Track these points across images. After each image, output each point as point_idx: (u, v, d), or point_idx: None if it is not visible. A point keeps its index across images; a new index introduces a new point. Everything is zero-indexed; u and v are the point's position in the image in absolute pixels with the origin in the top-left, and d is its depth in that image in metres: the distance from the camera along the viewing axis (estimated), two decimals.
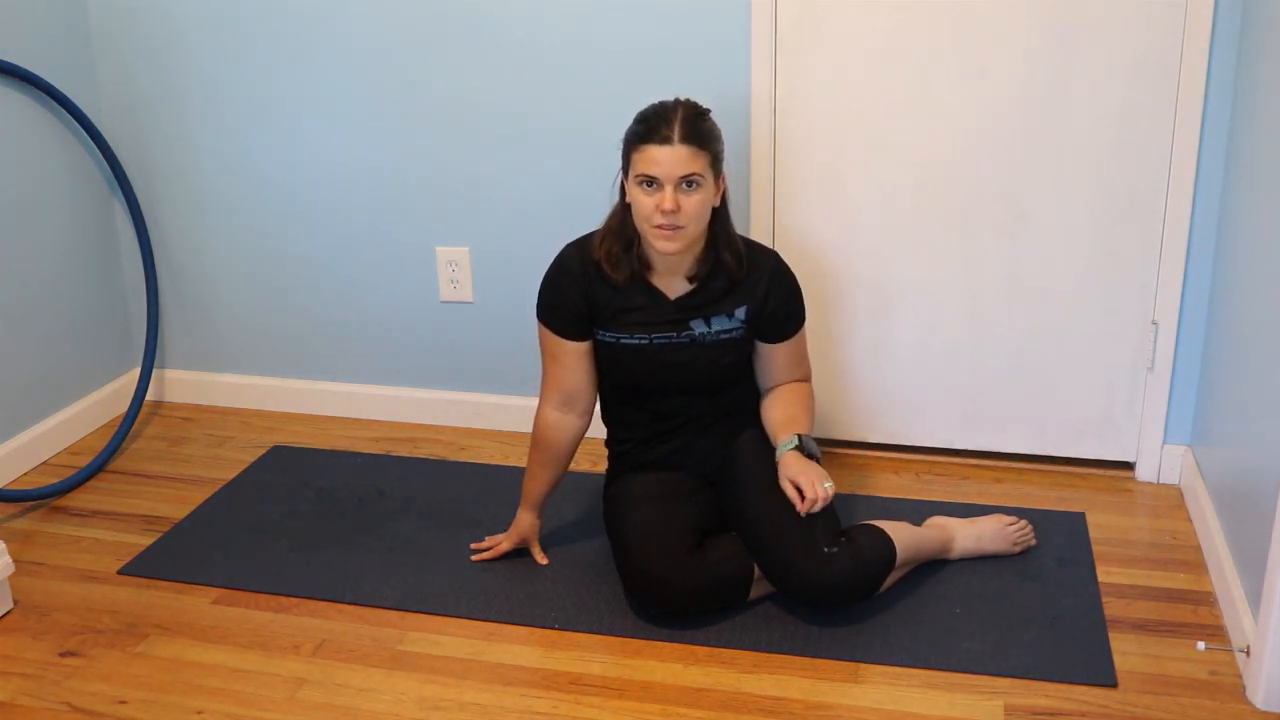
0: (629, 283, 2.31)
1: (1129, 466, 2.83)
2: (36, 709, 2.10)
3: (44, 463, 3.02)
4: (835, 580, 2.19)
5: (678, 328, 2.32)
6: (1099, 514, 2.64)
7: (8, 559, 2.35)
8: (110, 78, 3.11)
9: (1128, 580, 2.40)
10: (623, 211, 2.29)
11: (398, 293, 3.12)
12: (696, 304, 2.33)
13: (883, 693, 2.08)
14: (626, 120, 2.80)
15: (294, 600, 2.39)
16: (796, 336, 2.41)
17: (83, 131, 3.07)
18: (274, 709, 2.09)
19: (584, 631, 2.26)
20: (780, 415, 2.36)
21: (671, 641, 2.22)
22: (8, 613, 2.38)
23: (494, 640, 2.25)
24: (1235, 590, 2.20)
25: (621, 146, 2.27)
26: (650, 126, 2.20)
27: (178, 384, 3.36)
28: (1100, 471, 2.83)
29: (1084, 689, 2.07)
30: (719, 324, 2.33)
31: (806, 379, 2.46)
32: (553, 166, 2.90)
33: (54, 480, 2.88)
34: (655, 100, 2.29)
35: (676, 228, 2.18)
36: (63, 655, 2.24)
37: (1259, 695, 2.01)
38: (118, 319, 3.28)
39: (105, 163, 3.14)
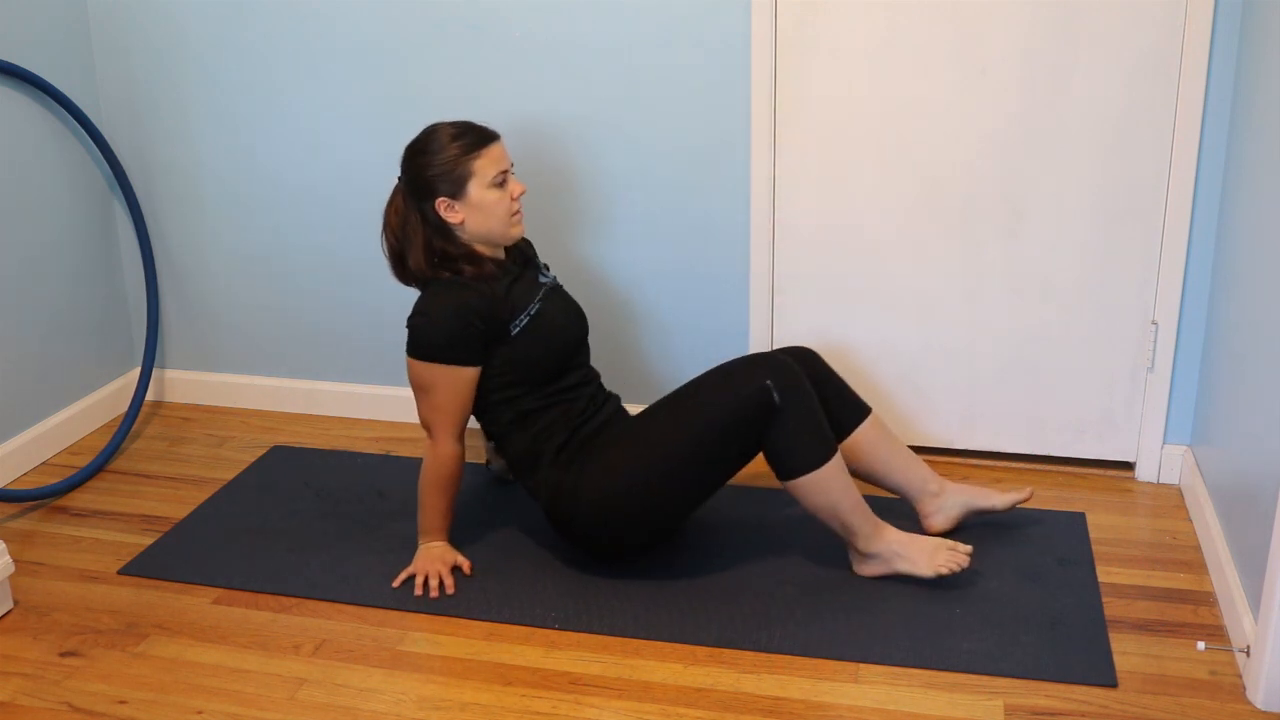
0: (495, 278, 2.41)
1: (1129, 466, 2.83)
2: (36, 709, 2.10)
3: (44, 463, 3.02)
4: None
5: (538, 285, 2.48)
6: (1099, 514, 2.64)
7: (8, 559, 2.35)
8: (110, 78, 3.11)
9: (1128, 580, 2.40)
10: (443, 239, 2.39)
11: (398, 293, 3.10)
12: (523, 265, 2.51)
13: (883, 693, 2.08)
14: (626, 120, 2.82)
15: (294, 600, 2.40)
16: None
17: (83, 131, 3.07)
18: (274, 709, 2.09)
19: (584, 631, 2.26)
20: None
21: (671, 641, 2.22)
22: (8, 613, 2.38)
23: (494, 640, 2.25)
24: (1235, 590, 2.20)
25: (427, 183, 2.36)
26: (475, 134, 2.37)
27: (178, 384, 3.36)
28: (1100, 471, 2.83)
29: (1084, 689, 2.07)
30: (545, 277, 2.54)
31: None
32: (553, 165, 2.90)
33: (54, 480, 2.88)
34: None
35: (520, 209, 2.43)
36: (63, 655, 2.25)
37: (1259, 695, 2.01)
38: (118, 319, 3.28)
39: (105, 163, 3.14)
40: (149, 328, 3.22)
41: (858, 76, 2.67)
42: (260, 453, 3.03)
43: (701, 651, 2.20)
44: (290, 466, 2.95)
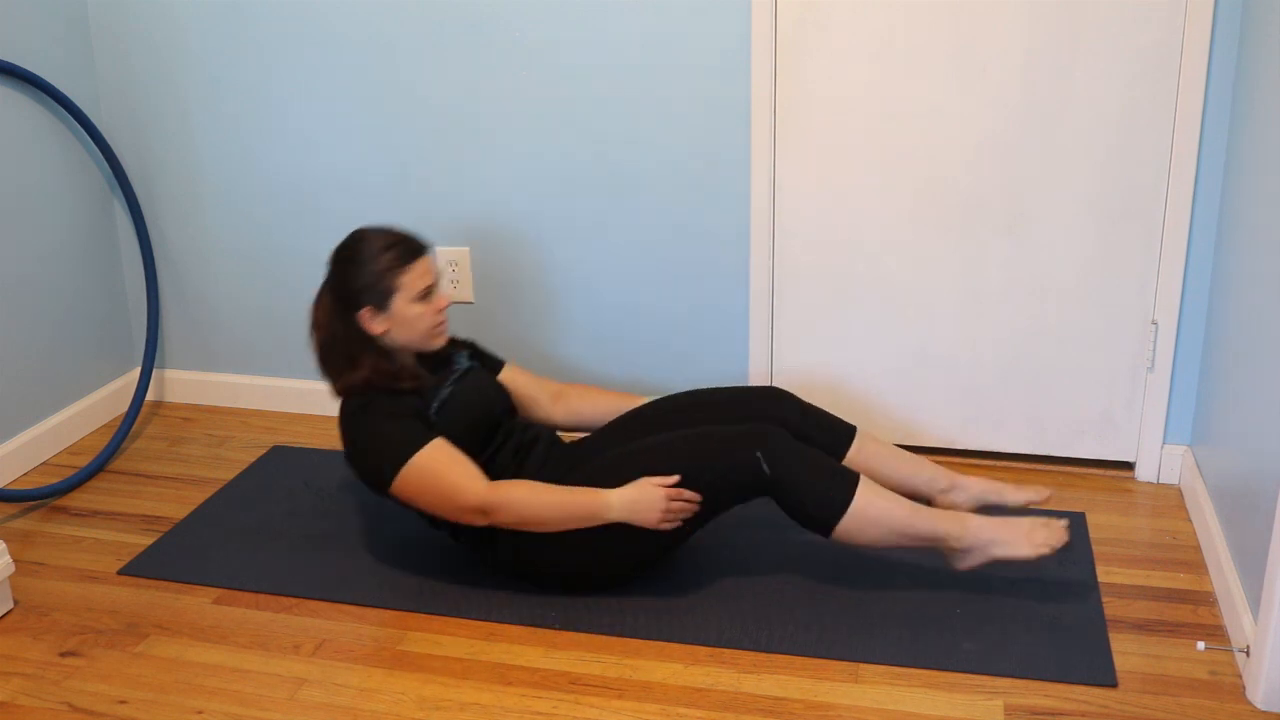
0: (411, 377, 2.37)
1: (1129, 466, 2.83)
2: (36, 709, 2.10)
3: (44, 463, 3.02)
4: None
5: (451, 371, 2.46)
6: (1099, 514, 2.65)
7: (8, 559, 2.35)
8: (110, 78, 3.11)
9: (1128, 580, 2.40)
10: (364, 344, 2.35)
11: None
12: (443, 360, 2.49)
13: (883, 693, 2.08)
14: (626, 119, 2.82)
15: (294, 600, 2.40)
16: (510, 362, 2.67)
17: (83, 131, 3.07)
18: (274, 709, 2.09)
19: (584, 631, 2.26)
20: (605, 394, 2.64)
21: (671, 641, 2.22)
22: (8, 613, 2.38)
23: (494, 640, 2.25)
24: (1235, 590, 2.20)
25: (353, 294, 2.32)
26: (405, 246, 2.34)
27: (178, 384, 3.36)
28: (1100, 471, 2.83)
29: (1084, 689, 2.07)
30: (459, 364, 2.50)
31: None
32: (553, 166, 2.90)
33: (54, 480, 2.88)
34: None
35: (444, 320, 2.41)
36: (63, 655, 2.25)
37: (1259, 695, 2.01)
38: (118, 319, 3.28)
39: (105, 163, 3.14)
40: (149, 328, 3.22)
41: (858, 76, 2.67)
42: (260, 453, 3.03)
43: (701, 651, 2.20)
44: (290, 466, 2.95)
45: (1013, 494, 2.47)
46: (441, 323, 2.39)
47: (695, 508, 2.24)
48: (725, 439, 2.28)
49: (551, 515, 2.23)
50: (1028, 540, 2.25)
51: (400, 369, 2.36)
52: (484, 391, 2.47)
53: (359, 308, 2.33)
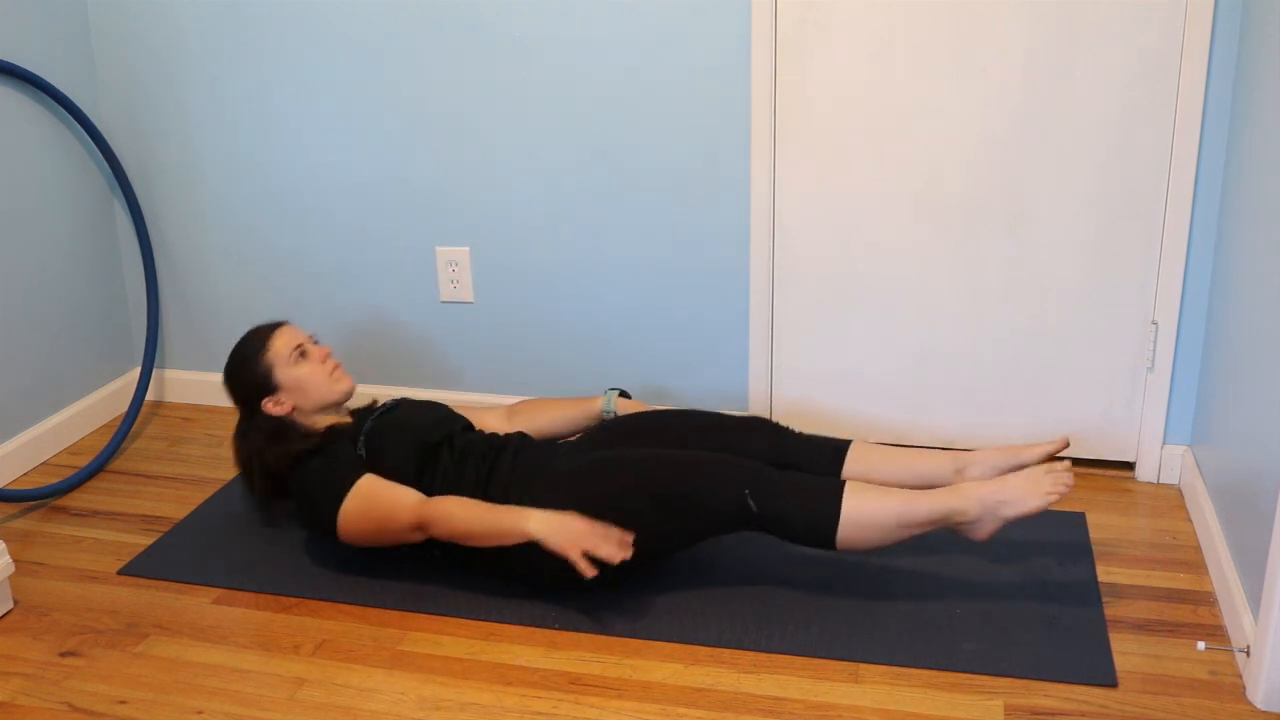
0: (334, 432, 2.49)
1: (1129, 466, 2.83)
2: (36, 709, 2.10)
3: (44, 463, 3.02)
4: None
5: (370, 414, 2.53)
6: (1099, 514, 2.65)
7: (8, 559, 2.35)
8: (110, 78, 3.11)
9: (1128, 580, 2.40)
10: (285, 437, 2.46)
11: (398, 293, 3.12)
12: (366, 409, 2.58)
13: (883, 693, 2.08)
14: (626, 119, 2.82)
15: (294, 600, 2.40)
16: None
17: (83, 131, 3.07)
18: (274, 709, 2.09)
19: (584, 631, 2.26)
20: (557, 402, 2.69)
21: (671, 641, 2.22)
22: (8, 613, 2.38)
23: (494, 640, 2.25)
24: (1235, 590, 2.20)
25: (247, 400, 2.52)
26: (258, 332, 2.54)
27: (178, 384, 3.36)
28: (1100, 471, 2.83)
29: (1084, 689, 2.07)
30: (379, 410, 2.56)
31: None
32: (553, 166, 2.90)
33: (54, 480, 2.88)
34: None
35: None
36: (63, 655, 2.25)
37: (1259, 695, 2.01)
38: (118, 319, 3.28)
39: (105, 163, 3.14)
40: (149, 328, 3.22)
41: (858, 76, 2.67)
42: None
43: (701, 651, 2.20)
44: None
45: (1028, 453, 2.40)
46: (335, 367, 2.54)
47: (624, 555, 2.16)
48: (710, 471, 2.27)
49: (476, 529, 2.25)
50: (1035, 491, 2.21)
51: (326, 427, 2.48)
52: (414, 416, 2.52)
53: (260, 404, 2.48)
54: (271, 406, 2.49)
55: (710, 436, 2.44)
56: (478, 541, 2.27)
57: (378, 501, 2.32)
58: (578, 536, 2.17)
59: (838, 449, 2.44)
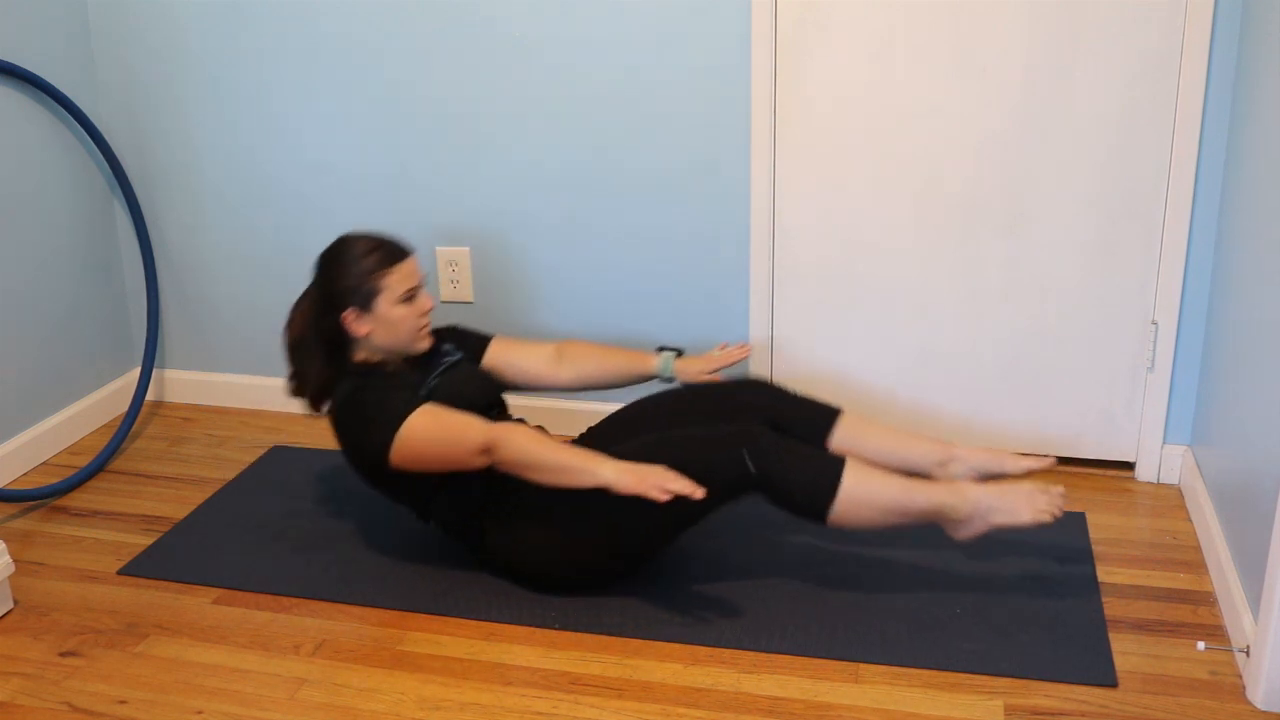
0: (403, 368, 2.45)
1: (1129, 466, 2.83)
2: (36, 709, 2.10)
3: (44, 463, 3.02)
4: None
5: (438, 364, 2.48)
6: (1099, 514, 2.65)
7: (8, 559, 2.35)
8: (110, 78, 3.11)
9: (1128, 580, 2.40)
10: (344, 346, 2.41)
11: None
12: (424, 357, 2.51)
13: (883, 693, 2.08)
14: (626, 119, 2.82)
15: (294, 600, 2.40)
16: (497, 336, 2.65)
17: (83, 131, 3.07)
18: (274, 709, 2.09)
19: (584, 631, 2.26)
20: (607, 350, 2.61)
21: (671, 641, 2.22)
22: (8, 613, 2.38)
23: (494, 640, 2.25)
24: (1235, 590, 2.20)
25: (337, 295, 2.37)
26: (388, 249, 2.38)
27: (178, 384, 3.36)
28: (1100, 471, 2.83)
29: (1084, 689, 2.07)
30: (447, 357, 2.52)
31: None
32: (553, 166, 2.90)
33: (54, 480, 2.88)
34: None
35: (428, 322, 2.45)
36: (63, 655, 2.25)
37: (1259, 695, 2.01)
38: (118, 319, 3.28)
39: (105, 163, 3.14)
40: (149, 328, 3.22)
41: (858, 76, 2.67)
42: (260, 453, 3.03)
43: (701, 651, 2.20)
44: (290, 466, 2.95)
45: (1013, 462, 2.40)
46: (425, 325, 2.43)
47: (696, 491, 2.12)
48: (709, 440, 2.27)
49: (546, 461, 2.18)
50: (1028, 506, 2.22)
51: (384, 364, 2.40)
52: (470, 383, 2.47)
53: (343, 309, 2.36)
54: (352, 321, 2.37)
55: (717, 404, 2.44)
56: (543, 476, 2.20)
57: (448, 418, 2.25)
58: (652, 474, 2.13)
59: (827, 417, 2.44)
